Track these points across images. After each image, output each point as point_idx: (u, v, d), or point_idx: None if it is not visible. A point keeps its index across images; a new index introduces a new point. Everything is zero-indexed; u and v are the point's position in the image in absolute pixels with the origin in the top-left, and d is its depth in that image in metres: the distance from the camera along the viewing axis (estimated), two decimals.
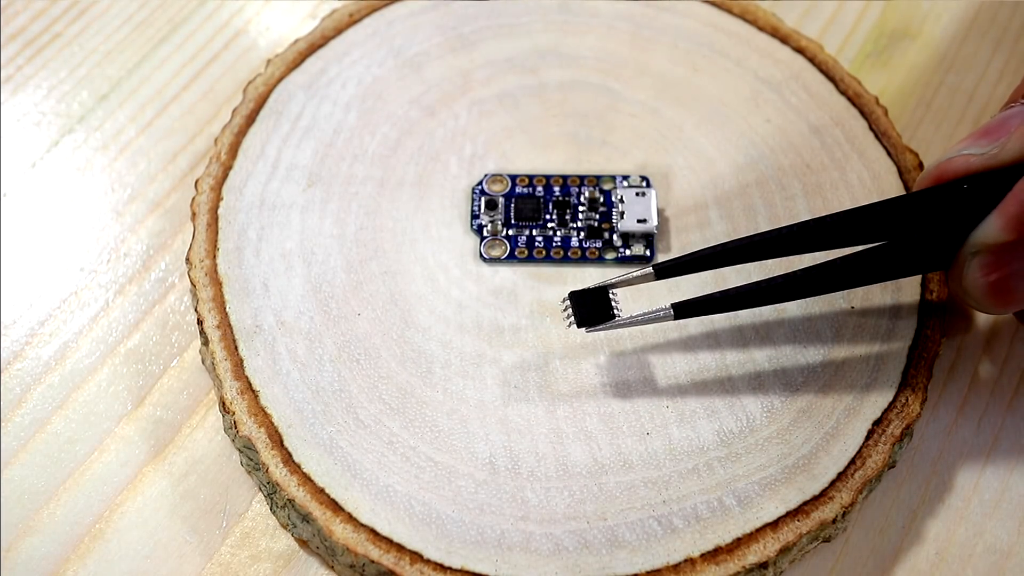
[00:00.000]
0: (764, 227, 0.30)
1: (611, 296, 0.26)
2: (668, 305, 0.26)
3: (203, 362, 0.29)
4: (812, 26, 0.36)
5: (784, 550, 0.25)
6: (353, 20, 0.33)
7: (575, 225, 0.30)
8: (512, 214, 0.30)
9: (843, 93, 0.32)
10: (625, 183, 0.31)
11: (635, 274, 0.26)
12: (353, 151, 0.31)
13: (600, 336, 0.28)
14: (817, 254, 0.27)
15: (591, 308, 0.26)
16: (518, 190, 0.31)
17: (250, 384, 0.27)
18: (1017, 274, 0.25)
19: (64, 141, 0.34)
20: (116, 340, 0.30)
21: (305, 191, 0.30)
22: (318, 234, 0.29)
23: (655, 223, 0.29)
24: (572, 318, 0.26)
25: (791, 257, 0.27)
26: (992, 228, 0.25)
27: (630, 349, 0.28)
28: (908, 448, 0.28)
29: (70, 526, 0.27)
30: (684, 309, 0.26)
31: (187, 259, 0.29)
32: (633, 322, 0.26)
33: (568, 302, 0.26)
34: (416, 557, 0.24)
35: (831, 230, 0.26)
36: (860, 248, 0.26)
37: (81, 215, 0.32)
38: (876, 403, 0.27)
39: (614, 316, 0.26)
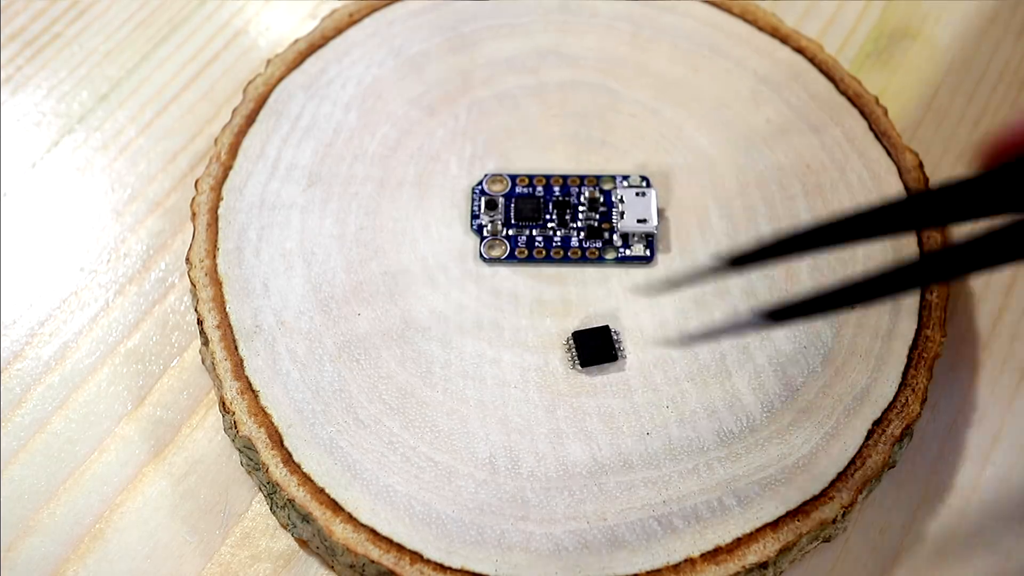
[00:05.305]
0: (764, 227, 0.30)
1: (613, 334, 0.28)
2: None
3: (203, 362, 0.29)
4: (812, 26, 0.36)
5: (784, 550, 0.25)
6: (353, 20, 0.33)
7: (575, 225, 0.30)
8: (512, 214, 0.30)
9: (843, 93, 0.32)
10: (625, 183, 0.31)
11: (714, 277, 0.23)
12: (353, 151, 0.31)
13: None
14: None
15: (593, 347, 0.27)
16: (518, 190, 0.31)
17: (250, 384, 0.27)
18: None
19: (64, 141, 0.34)
20: (116, 340, 0.30)
21: (305, 191, 0.30)
22: (318, 234, 0.29)
23: (655, 223, 0.29)
24: (576, 358, 0.27)
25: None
26: None
27: (630, 349, 0.28)
28: (908, 448, 0.28)
29: (70, 526, 0.27)
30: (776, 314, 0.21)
31: (187, 259, 0.29)
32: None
33: (572, 341, 0.28)
34: (416, 557, 0.24)
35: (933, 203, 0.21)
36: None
37: (81, 215, 0.32)
38: (876, 403, 0.27)
39: (615, 356, 0.27)
